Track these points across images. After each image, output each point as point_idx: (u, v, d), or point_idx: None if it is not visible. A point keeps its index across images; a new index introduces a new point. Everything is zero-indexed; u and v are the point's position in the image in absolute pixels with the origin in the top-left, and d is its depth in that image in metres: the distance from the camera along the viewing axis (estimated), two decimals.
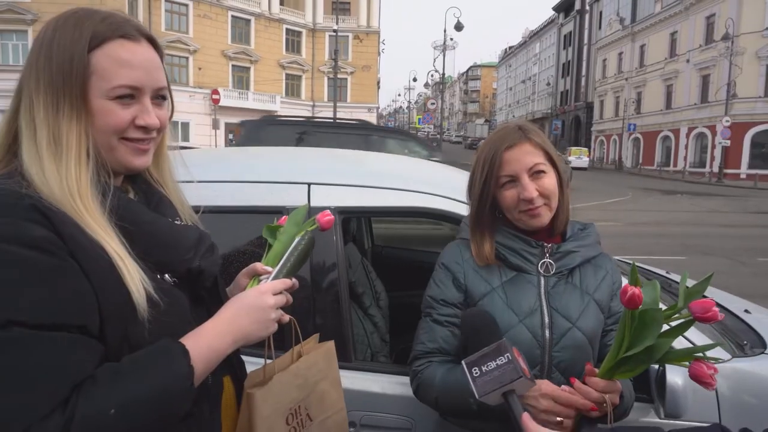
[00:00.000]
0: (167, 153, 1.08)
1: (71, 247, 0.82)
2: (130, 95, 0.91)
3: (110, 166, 0.93)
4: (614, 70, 46.79)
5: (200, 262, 1.00)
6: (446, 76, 42.77)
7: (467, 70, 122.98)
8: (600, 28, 50.20)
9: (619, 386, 1.13)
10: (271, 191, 1.56)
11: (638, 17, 42.96)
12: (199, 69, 35.56)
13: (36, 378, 0.76)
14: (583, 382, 1.13)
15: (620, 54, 45.83)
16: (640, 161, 40.97)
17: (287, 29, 40.89)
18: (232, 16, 37.73)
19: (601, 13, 50.11)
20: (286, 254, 1.11)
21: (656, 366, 1.46)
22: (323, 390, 1.23)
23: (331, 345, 1.27)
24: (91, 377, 0.80)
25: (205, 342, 0.92)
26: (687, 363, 1.03)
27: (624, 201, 19.37)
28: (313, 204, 1.55)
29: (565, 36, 60.44)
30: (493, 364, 0.95)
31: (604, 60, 48.88)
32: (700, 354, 1.04)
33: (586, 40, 54.02)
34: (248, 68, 38.98)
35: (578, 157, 36.08)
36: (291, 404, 1.16)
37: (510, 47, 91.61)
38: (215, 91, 34.22)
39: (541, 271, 1.31)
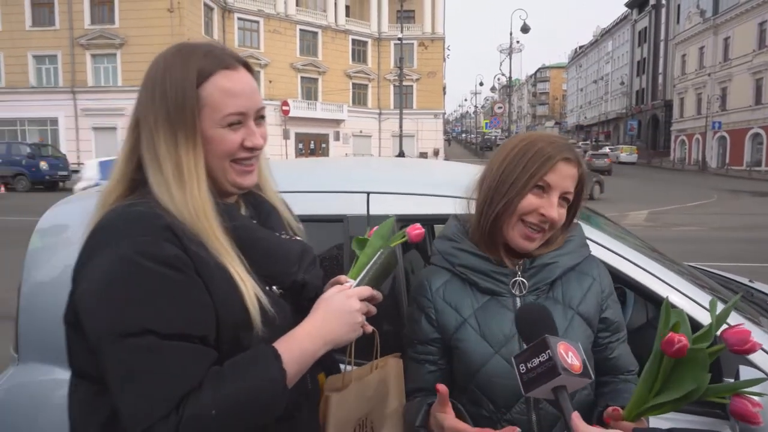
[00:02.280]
0: (268, 167, 1.17)
1: (197, 264, 0.91)
2: (238, 122, 0.99)
3: (224, 187, 1.03)
4: (695, 66, 44.04)
5: (304, 275, 1.08)
6: (513, 79, 41.96)
7: (535, 72, 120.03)
8: (678, 22, 47.46)
9: (645, 423, 1.04)
10: (332, 200, 1.61)
11: (721, 8, 40.25)
12: (270, 82, 36.93)
13: (161, 381, 0.86)
14: (605, 424, 1.04)
15: (701, 48, 43.10)
16: (727, 161, 38.26)
17: (353, 39, 41.68)
18: (301, 30, 38.96)
19: (678, 6, 47.41)
20: (366, 268, 1.15)
21: (731, 379, 1.37)
22: (389, 405, 1.24)
23: (399, 361, 1.28)
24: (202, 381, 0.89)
25: (297, 345, 0.98)
26: (726, 398, 0.94)
27: (708, 204, 18.18)
28: (372, 213, 1.59)
29: (639, 32, 57.66)
30: (536, 361, 0.92)
31: (684, 55, 46.12)
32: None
33: (662, 36, 51.29)
34: (316, 79, 40.05)
35: (629, 154, 44.15)
36: (360, 415, 1.19)
37: (580, 47, 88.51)
38: (285, 103, 35.40)
39: (515, 292, 1.22)
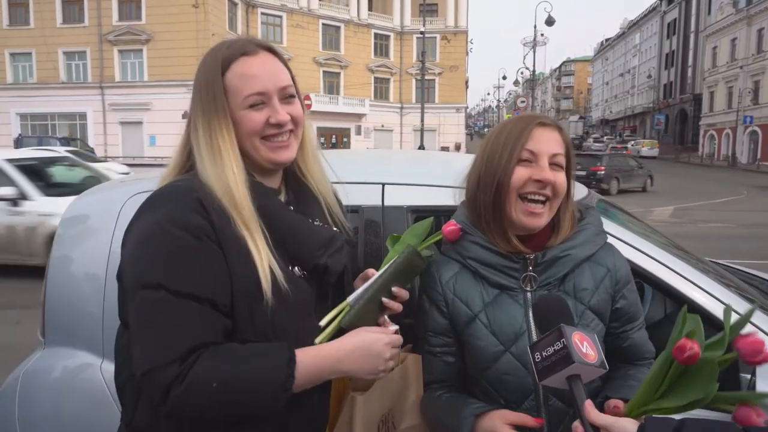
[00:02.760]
0: (315, 154, 1.24)
1: (219, 236, 1.00)
2: (260, 102, 1.08)
3: (261, 164, 1.11)
4: (726, 58, 42.82)
5: (327, 260, 1.13)
6: (537, 72, 41.40)
7: (560, 66, 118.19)
8: (709, 13, 46.16)
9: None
10: (347, 191, 1.62)
11: None
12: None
13: (166, 333, 0.96)
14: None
15: (733, 40, 41.87)
16: (758, 156, 37.17)
17: (375, 33, 41.58)
18: (323, 24, 39.01)
19: None
20: (383, 268, 1.17)
21: (747, 375, 1.35)
22: (408, 399, 1.25)
23: (418, 356, 1.28)
24: (213, 349, 0.96)
25: (317, 362, 1.04)
26: (732, 407, 0.92)
27: (738, 200, 17.70)
28: (387, 203, 1.60)
29: (668, 24, 56.29)
30: (551, 350, 0.93)
31: (714, 48, 44.88)
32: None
33: (692, 28, 49.99)
34: (338, 73, 40.11)
35: (650, 148, 44.34)
36: (383, 411, 1.22)
37: (606, 39, 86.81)
38: (307, 97, 35.49)
39: (525, 287, 1.19)
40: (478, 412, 1.13)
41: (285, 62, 1.15)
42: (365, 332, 1.09)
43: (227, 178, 1.04)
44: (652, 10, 62.85)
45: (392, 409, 1.23)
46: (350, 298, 1.15)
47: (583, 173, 17.50)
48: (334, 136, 39.06)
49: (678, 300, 1.55)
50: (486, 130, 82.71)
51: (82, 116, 32.50)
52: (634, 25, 70.56)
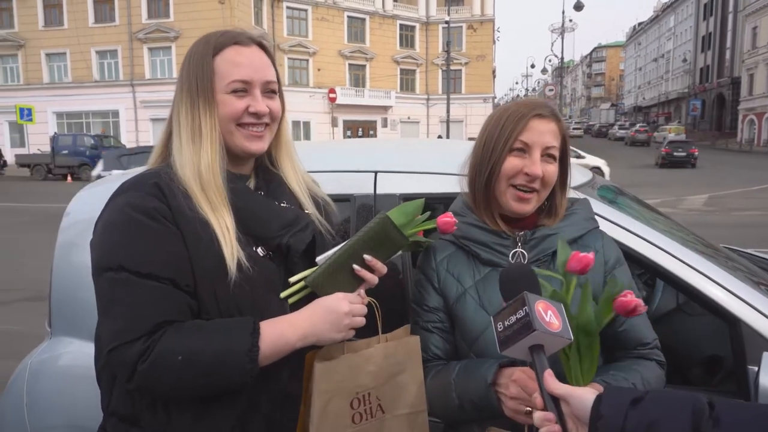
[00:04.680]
0: (289, 149, 1.26)
1: (177, 217, 1.04)
2: (243, 89, 1.11)
3: (233, 151, 1.13)
4: (767, 38, 41.13)
5: (290, 239, 1.14)
6: (566, 59, 40.56)
7: (590, 53, 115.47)
8: None
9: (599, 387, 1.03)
10: (340, 180, 1.61)
11: None
12: (318, 70, 37.26)
13: (130, 311, 0.99)
14: None
15: None
16: None
17: (401, 25, 41.34)
18: (348, 17, 38.99)
19: None
20: (357, 235, 1.16)
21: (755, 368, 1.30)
22: (401, 384, 1.23)
23: (415, 339, 1.25)
24: (177, 326, 0.99)
25: (279, 329, 1.05)
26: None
27: None
28: (379, 192, 1.58)
29: (705, 5, 54.29)
30: (513, 318, 0.91)
31: (755, 28, 43.08)
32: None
33: (731, 8, 48.05)
34: (364, 66, 40.07)
35: (677, 134, 41.46)
36: (359, 389, 1.18)
37: (639, 23, 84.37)
38: (331, 90, 35.66)
39: (512, 263, 1.21)
40: (503, 363, 1.12)
41: (273, 60, 1.19)
42: (324, 297, 1.12)
43: (200, 159, 1.07)
44: None
45: (377, 389, 1.20)
46: (319, 258, 1.16)
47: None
48: (360, 129, 39.12)
49: (679, 287, 1.50)
50: None
51: (115, 114, 33.35)
52: (668, 8, 68.32)
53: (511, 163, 1.20)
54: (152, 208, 1.03)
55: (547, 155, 1.21)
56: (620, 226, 1.52)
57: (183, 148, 1.09)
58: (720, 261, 1.60)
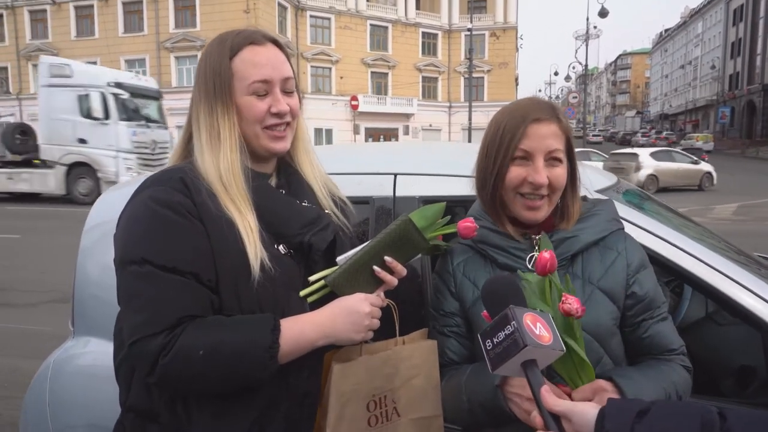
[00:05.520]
0: (307, 147, 1.27)
1: (201, 212, 1.04)
2: (264, 90, 1.11)
3: (257, 152, 1.15)
4: None
5: (311, 238, 1.14)
6: (590, 67, 40.15)
7: (615, 60, 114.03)
8: None
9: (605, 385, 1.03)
10: (360, 182, 1.60)
11: None
12: (341, 78, 37.50)
13: (152, 305, 0.99)
14: None
15: None
16: None
17: (423, 32, 41.41)
18: (371, 25, 39.20)
19: None
20: (378, 237, 1.15)
21: None
22: (418, 387, 1.21)
23: (433, 343, 1.24)
24: (200, 320, 0.99)
25: (299, 327, 1.05)
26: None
27: None
28: (398, 194, 1.57)
29: (734, 11, 53.24)
30: (502, 335, 0.86)
31: None
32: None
33: (761, 13, 47.00)
34: (386, 74, 40.21)
35: (705, 143, 41.92)
36: (375, 391, 1.17)
37: (665, 30, 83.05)
38: (354, 98, 35.84)
39: (530, 267, 1.16)
40: None
41: (289, 57, 1.19)
42: (345, 297, 1.12)
43: (220, 162, 1.08)
44: None
45: (393, 393, 1.19)
46: (339, 258, 1.15)
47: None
48: (381, 137, 39.20)
49: (709, 294, 1.44)
50: None
51: None
52: (696, 14, 67.12)
53: (515, 172, 1.16)
54: (177, 203, 1.03)
55: (551, 159, 1.17)
56: (646, 230, 1.48)
57: (204, 151, 1.10)
58: (752, 268, 1.54)
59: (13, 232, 11.14)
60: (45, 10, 34.77)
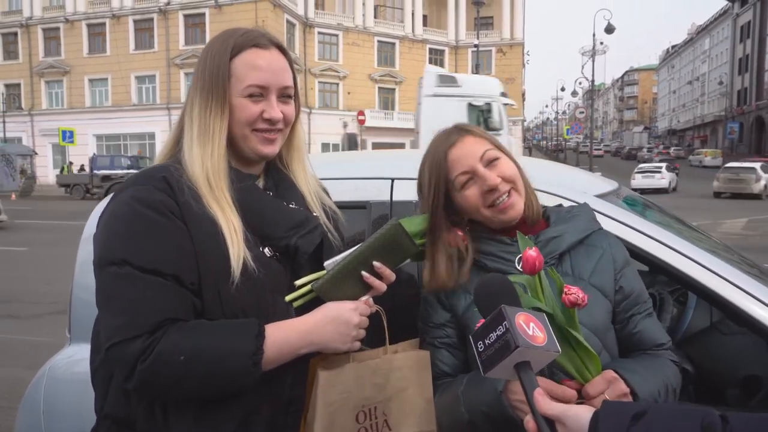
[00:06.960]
0: (301, 150, 1.24)
1: (184, 212, 1.00)
2: (259, 93, 1.08)
3: (245, 153, 1.11)
4: None
5: (298, 240, 1.10)
6: (597, 83, 40.23)
7: (622, 75, 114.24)
8: None
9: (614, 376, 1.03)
10: (357, 187, 1.59)
11: None
12: (348, 93, 37.77)
13: (131, 307, 0.95)
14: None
15: None
16: None
17: (430, 48, 41.74)
18: (378, 41, 39.58)
19: None
20: (368, 241, 1.13)
21: None
22: (409, 400, 1.17)
23: (425, 354, 1.20)
24: (181, 324, 0.95)
25: (284, 333, 1.02)
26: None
27: None
28: (395, 199, 1.55)
29: (741, 27, 53.29)
30: (494, 336, 0.83)
31: None
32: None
33: None
34: (393, 89, 40.47)
35: (713, 158, 41.90)
36: (365, 402, 1.13)
37: (672, 46, 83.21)
38: (360, 113, 36.04)
39: (519, 268, 1.14)
40: None
41: (291, 63, 1.16)
42: (333, 304, 1.08)
43: (208, 158, 1.05)
44: (723, 14, 59.76)
45: (383, 404, 1.15)
46: (327, 263, 1.13)
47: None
48: None
49: (714, 302, 1.41)
50: (543, 142, 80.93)
51: (151, 136, 34.41)
52: (703, 30, 67.29)
53: (469, 196, 1.21)
54: (159, 202, 1.00)
55: (489, 161, 1.20)
56: (650, 236, 1.45)
57: (193, 146, 1.07)
58: (760, 278, 1.50)
59: (20, 245, 11.20)
60: (58, 28, 35.47)
